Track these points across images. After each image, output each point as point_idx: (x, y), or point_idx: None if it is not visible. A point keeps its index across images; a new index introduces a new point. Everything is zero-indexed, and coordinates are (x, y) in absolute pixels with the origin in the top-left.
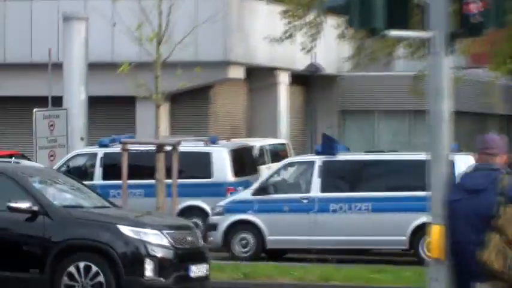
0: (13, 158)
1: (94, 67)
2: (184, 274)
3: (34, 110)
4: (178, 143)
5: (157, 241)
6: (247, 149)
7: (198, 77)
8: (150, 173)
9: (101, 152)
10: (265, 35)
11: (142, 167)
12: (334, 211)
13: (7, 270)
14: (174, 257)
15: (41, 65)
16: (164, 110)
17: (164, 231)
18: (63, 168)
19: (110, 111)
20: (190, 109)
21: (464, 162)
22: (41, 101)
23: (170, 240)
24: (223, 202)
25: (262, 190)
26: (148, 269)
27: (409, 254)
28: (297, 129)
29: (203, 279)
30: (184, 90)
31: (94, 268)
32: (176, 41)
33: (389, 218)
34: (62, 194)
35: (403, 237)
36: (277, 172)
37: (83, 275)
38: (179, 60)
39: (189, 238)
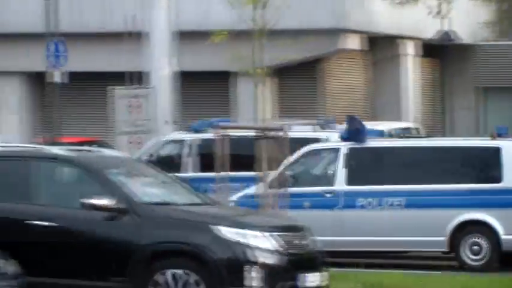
0: (92, 145)
1: (184, 37)
2: (292, 284)
3: (110, 88)
4: (288, 128)
5: (261, 245)
6: None
7: (307, 48)
8: (253, 163)
9: (193, 138)
10: None
11: (244, 157)
12: (363, 207)
13: (84, 279)
14: (281, 263)
15: (119, 35)
16: (267, 88)
17: (270, 233)
18: (149, 158)
19: (203, 89)
20: (298, 87)
21: None
22: (120, 78)
23: (277, 243)
24: (235, 197)
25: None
26: (250, 278)
27: (449, 258)
28: (426, 109)
29: None
30: (291, 64)
31: (186, 276)
32: (281, 5)
33: (427, 215)
34: (147, 189)
35: (442, 238)
36: (296, 161)
37: (172, 284)
38: (284, 28)
39: (300, 241)
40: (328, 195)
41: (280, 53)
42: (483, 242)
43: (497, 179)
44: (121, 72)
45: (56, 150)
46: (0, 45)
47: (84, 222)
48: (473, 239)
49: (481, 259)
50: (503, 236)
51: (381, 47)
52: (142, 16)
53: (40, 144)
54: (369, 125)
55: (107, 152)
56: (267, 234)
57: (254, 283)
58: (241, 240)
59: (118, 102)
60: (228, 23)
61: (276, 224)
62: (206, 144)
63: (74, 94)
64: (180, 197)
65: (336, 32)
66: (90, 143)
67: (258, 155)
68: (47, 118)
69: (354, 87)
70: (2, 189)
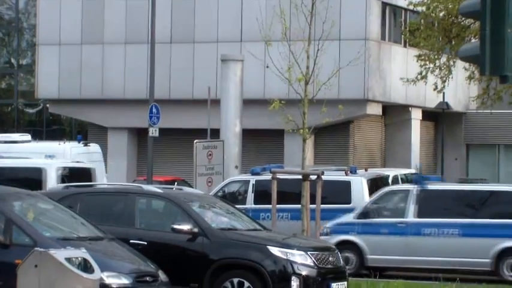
0: (175, 183)
1: (248, 103)
2: None
3: (195, 141)
4: (322, 173)
5: (302, 261)
6: (383, 178)
7: (340, 113)
8: (296, 198)
9: (253, 179)
10: (400, 75)
11: (289, 193)
12: (427, 235)
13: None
14: (317, 275)
15: (201, 101)
16: (309, 141)
17: (309, 252)
18: (219, 194)
19: (261, 142)
20: (333, 141)
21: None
22: (200, 133)
23: (314, 260)
24: (329, 224)
25: (364, 214)
26: (295, 286)
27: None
28: (427, 160)
29: None
30: (327, 125)
31: (246, 284)
32: (322, 81)
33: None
34: (218, 218)
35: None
36: (379, 199)
37: None
38: (324, 98)
39: (331, 258)
40: (400, 225)
41: (321, 117)
42: None
43: None
44: (204, 128)
45: (149, 187)
46: (113, 107)
47: (173, 242)
48: None
49: None
50: None
51: (394, 113)
52: (218, 87)
53: (141, 182)
54: (383, 171)
55: (187, 189)
56: (307, 252)
57: None
58: (288, 257)
59: (198, 151)
60: (281, 94)
61: (313, 245)
62: (263, 183)
63: (164, 145)
64: (242, 223)
65: (362, 102)
66: (173, 181)
67: (302, 193)
68: (144, 162)
69: (373, 142)
70: (111, 217)
